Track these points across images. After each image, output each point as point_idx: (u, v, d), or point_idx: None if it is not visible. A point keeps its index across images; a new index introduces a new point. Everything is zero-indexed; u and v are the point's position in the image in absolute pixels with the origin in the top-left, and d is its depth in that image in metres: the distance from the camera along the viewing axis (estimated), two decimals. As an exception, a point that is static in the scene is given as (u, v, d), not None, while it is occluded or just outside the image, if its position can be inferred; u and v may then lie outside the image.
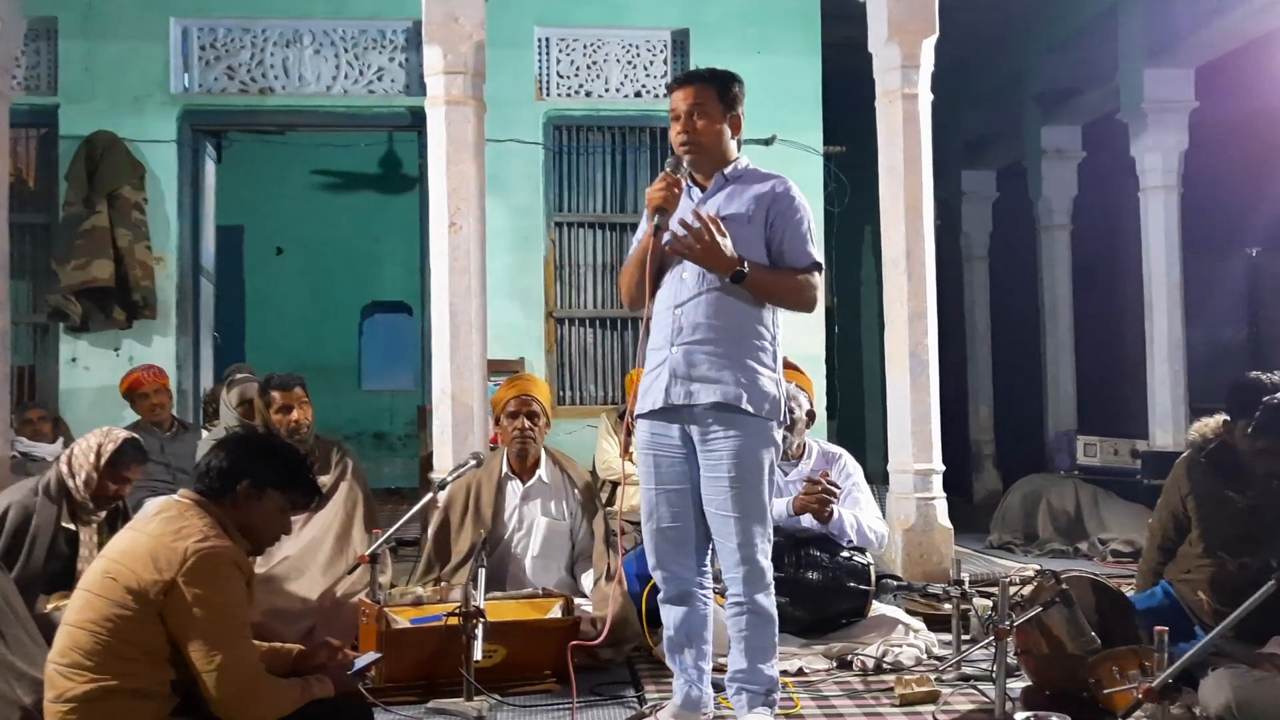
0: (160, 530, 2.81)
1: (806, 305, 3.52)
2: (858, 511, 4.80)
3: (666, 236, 3.43)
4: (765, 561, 3.45)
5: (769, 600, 3.45)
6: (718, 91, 3.52)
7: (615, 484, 6.11)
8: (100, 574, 2.79)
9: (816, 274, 3.51)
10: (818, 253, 3.54)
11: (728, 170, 3.56)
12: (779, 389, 3.49)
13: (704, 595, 3.57)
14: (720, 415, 3.40)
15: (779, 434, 3.52)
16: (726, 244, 3.37)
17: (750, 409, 3.40)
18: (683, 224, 3.39)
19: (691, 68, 3.71)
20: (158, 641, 2.73)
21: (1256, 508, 3.95)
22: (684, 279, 3.48)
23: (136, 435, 4.34)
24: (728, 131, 3.54)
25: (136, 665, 2.72)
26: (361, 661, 3.27)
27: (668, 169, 3.49)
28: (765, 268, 3.47)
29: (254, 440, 3.07)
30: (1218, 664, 3.38)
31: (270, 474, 2.97)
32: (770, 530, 3.49)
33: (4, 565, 3.82)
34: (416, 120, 7.22)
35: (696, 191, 3.57)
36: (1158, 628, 2.88)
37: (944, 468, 6.39)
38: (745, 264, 3.38)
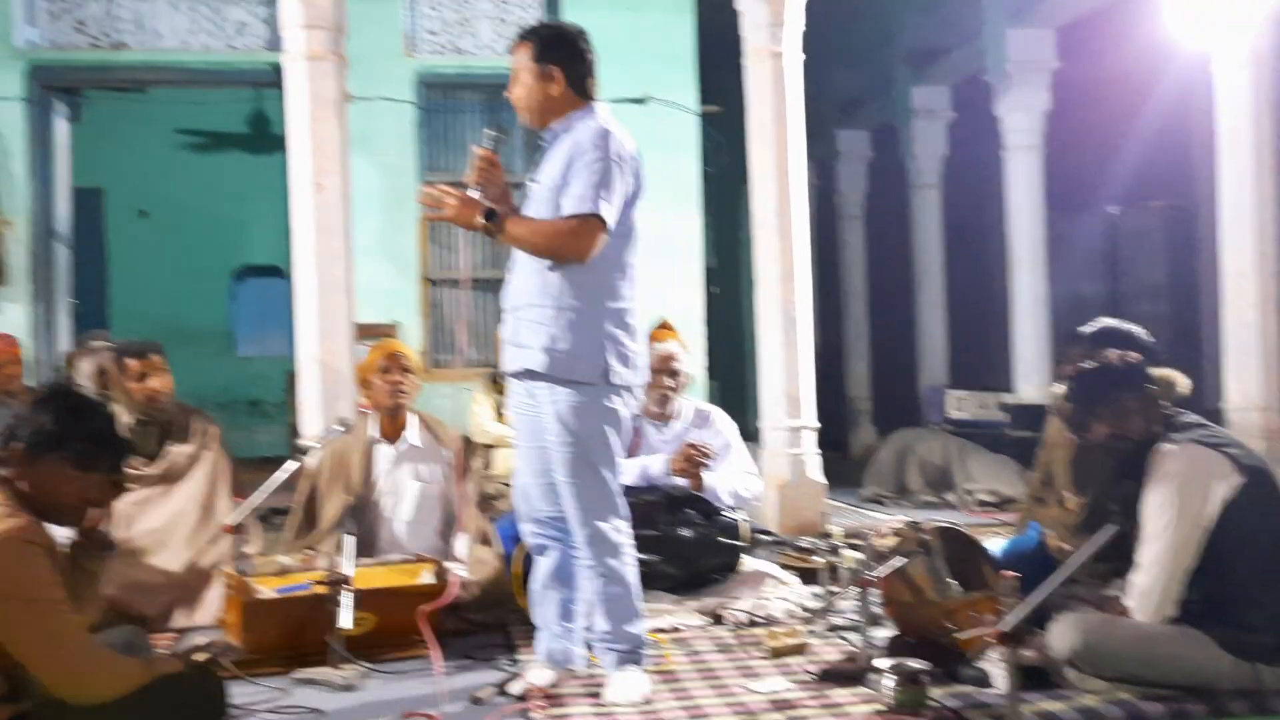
0: None
1: (572, 254, 3.28)
2: (730, 470, 4.85)
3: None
4: (607, 526, 3.40)
5: (621, 564, 3.43)
6: (532, 48, 3.43)
7: (490, 448, 6.07)
8: None
9: (589, 222, 3.26)
10: (599, 201, 3.26)
11: (557, 125, 3.46)
12: (605, 352, 3.35)
13: (571, 550, 3.53)
14: (540, 381, 3.36)
15: (618, 399, 3.41)
16: (474, 194, 3.32)
17: (558, 373, 3.32)
18: (427, 195, 3.34)
19: (557, 23, 3.61)
20: None
21: (1080, 446, 4.08)
22: None
23: None
24: (548, 87, 3.42)
25: None
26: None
27: (485, 144, 3.43)
28: (522, 217, 3.37)
29: (36, 396, 2.75)
30: (1069, 607, 3.50)
31: (46, 432, 2.61)
32: (614, 498, 3.43)
33: None
34: (280, 77, 6.97)
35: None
36: (1005, 573, 2.96)
37: (818, 424, 6.49)
38: (494, 211, 3.29)
